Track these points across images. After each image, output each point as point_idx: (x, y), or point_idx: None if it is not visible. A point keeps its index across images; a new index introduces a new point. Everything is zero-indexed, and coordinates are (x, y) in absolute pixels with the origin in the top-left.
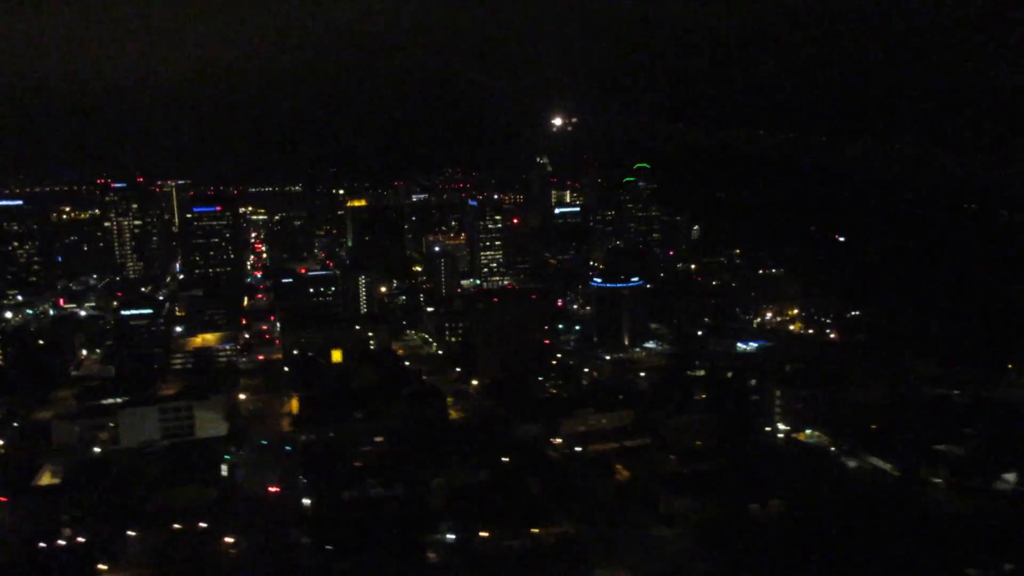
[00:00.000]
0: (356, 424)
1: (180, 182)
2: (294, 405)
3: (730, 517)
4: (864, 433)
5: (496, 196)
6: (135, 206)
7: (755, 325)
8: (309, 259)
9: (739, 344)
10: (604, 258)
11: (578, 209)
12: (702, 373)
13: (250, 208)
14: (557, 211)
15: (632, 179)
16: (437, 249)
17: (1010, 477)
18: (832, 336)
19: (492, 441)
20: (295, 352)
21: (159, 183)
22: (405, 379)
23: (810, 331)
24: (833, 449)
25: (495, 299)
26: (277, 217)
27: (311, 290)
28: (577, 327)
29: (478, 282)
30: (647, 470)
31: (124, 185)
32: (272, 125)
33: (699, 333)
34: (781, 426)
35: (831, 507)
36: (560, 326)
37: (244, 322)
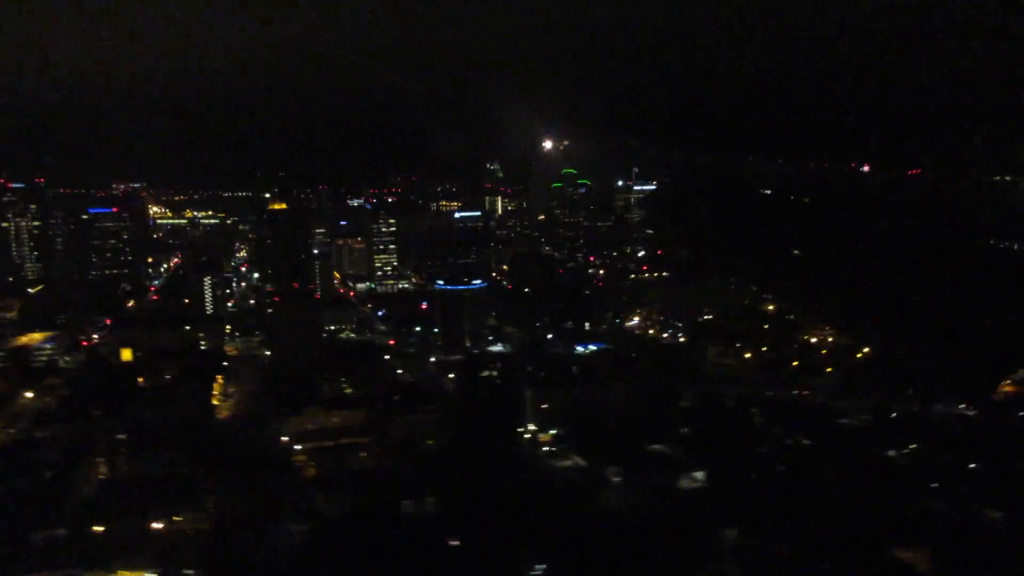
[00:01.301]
0: (96, 422)
1: (136, 185)
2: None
3: (370, 513)
4: (590, 432)
5: (391, 199)
6: (33, 207)
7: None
8: (225, 262)
9: (579, 347)
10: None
11: (479, 214)
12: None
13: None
14: (457, 215)
15: (560, 184)
16: (316, 252)
17: (699, 475)
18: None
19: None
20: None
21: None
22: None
23: (664, 335)
24: (546, 449)
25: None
26: (229, 221)
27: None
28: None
29: (372, 285)
30: (330, 467)
31: (22, 185)
32: (225, 130)
33: (549, 336)
34: (531, 426)
35: (485, 503)
36: (417, 328)
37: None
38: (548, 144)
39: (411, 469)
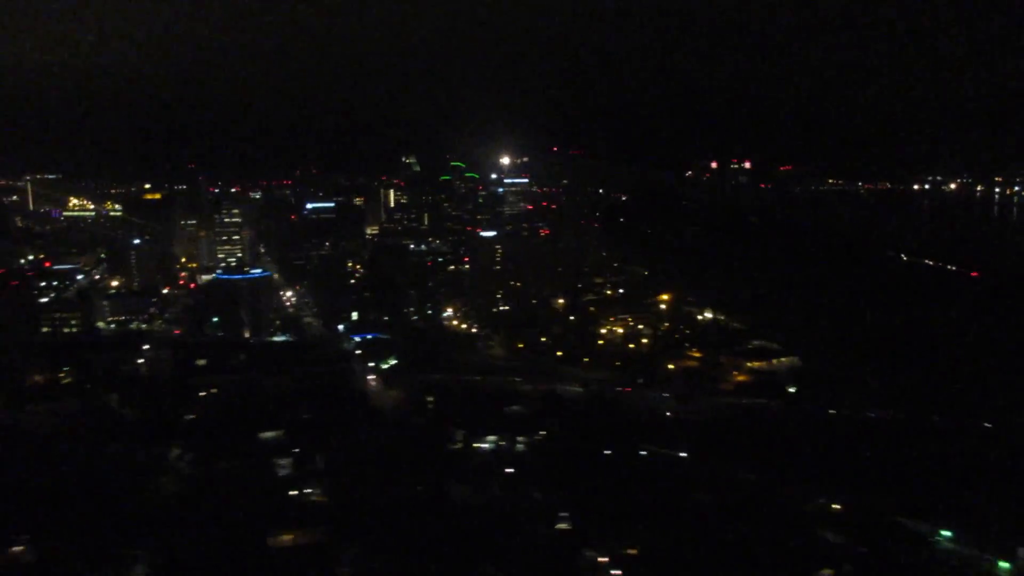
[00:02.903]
0: None
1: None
2: None
3: None
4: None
5: (234, 189)
6: None
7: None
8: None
9: (356, 337)
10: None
11: (332, 205)
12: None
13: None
14: (309, 206)
15: (448, 177)
16: (137, 242)
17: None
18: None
19: None
20: None
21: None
22: None
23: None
24: None
25: None
26: None
27: None
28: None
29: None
30: None
31: None
32: (151, 125)
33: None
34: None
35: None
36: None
37: None
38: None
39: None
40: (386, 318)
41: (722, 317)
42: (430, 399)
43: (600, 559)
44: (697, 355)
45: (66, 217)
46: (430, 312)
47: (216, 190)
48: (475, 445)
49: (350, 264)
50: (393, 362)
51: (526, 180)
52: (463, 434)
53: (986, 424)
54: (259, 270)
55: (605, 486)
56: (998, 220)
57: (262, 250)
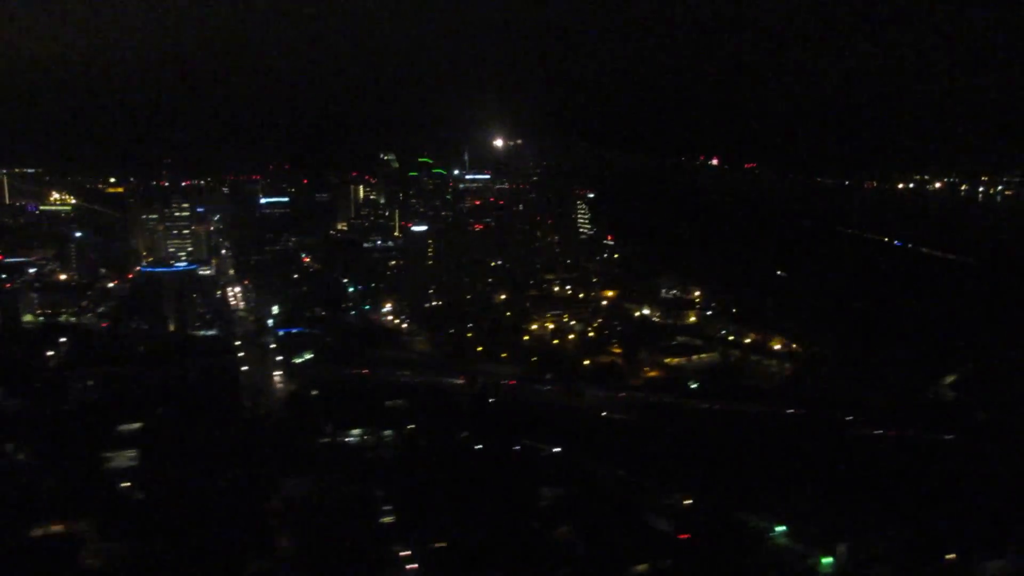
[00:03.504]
0: None
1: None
2: None
3: None
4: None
5: (184, 183)
6: None
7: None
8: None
9: (281, 331)
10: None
11: (287, 199)
12: None
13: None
14: (263, 201)
15: (416, 173)
16: (79, 235)
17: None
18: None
19: None
20: None
21: None
22: None
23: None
24: None
25: None
26: None
27: None
28: None
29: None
30: None
31: None
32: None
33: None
34: None
35: None
36: None
37: None
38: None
39: None
40: (320, 313)
41: (658, 314)
42: (315, 392)
43: (402, 552)
44: (617, 351)
45: (42, 211)
46: (368, 307)
47: (189, 184)
48: (341, 439)
49: (307, 259)
50: (308, 356)
51: (488, 176)
52: (331, 427)
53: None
54: (185, 263)
55: (452, 480)
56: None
57: (225, 244)
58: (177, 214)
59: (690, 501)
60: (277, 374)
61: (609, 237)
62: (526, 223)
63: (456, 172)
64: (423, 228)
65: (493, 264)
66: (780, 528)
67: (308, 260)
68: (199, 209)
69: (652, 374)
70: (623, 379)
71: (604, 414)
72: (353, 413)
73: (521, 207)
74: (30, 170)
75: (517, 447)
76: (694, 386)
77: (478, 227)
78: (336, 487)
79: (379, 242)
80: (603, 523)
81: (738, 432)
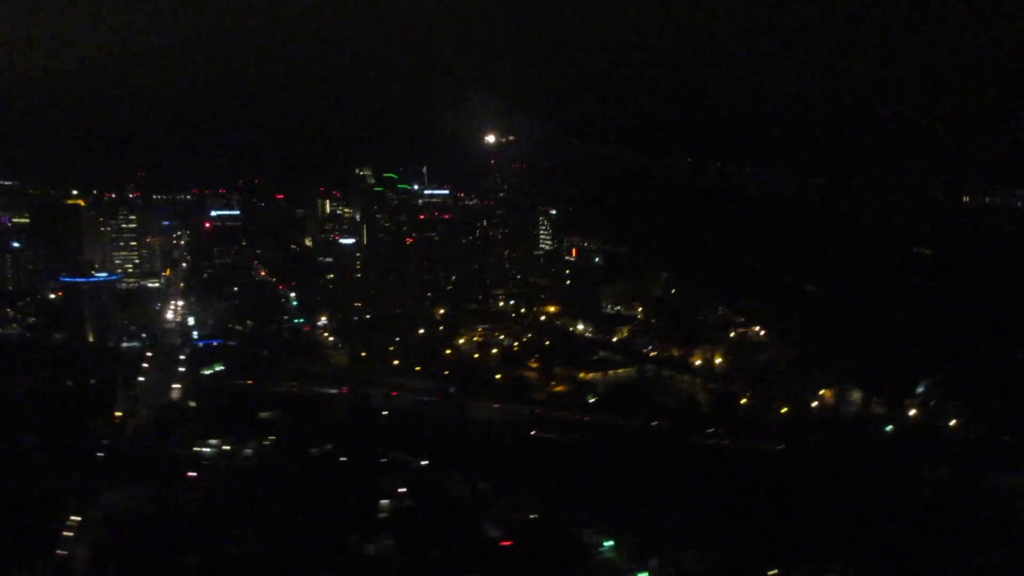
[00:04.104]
0: None
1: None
2: None
3: None
4: None
5: (131, 195)
6: None
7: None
8: None
9: (199, 342)
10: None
11: (237, 212)
12: None
13: None
14: (214, 213)
15: (381, 189)
16: (16, 245)
17: None
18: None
19: None
20: None
21: None
22: None
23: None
24: None
25: None
26: None
27: None
28: None
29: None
30: None
31: None
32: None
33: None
34: None
35: None
36: None
37: None
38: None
39: None
40: (244, 325)
41: (591, 330)
42: (192, 404)
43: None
44: (534, 366)
45: (14, 223)
46: (302, 320)
47: (160, 197)
48: (196, 450)
49: (263, 273)
50: (219, 368)
51: (447, 191)
52: (186, 439)
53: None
54: (104, 273)
55: (278, 491)
56: None
57: (185, 256)
58: (124, 226)
59: (534, 515)
60: (176, 386)
61: (573, 252)
62: (478, 238)
63: (415, 187)
64: (351, 241)
65: (431, 278)
66: (608, 543)
67: (264, 274)
68: (164, 223)
69: (558, 388)
70: (526, 393)
71: (484, 426)
72: (222, 424)
73: (483, 222)
74: (7, 183)
75: (384, 459)
76: (591, 400)
77: (409, 240)
78: (150, 498)
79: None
80: (431, 534)
81: (606, 445)
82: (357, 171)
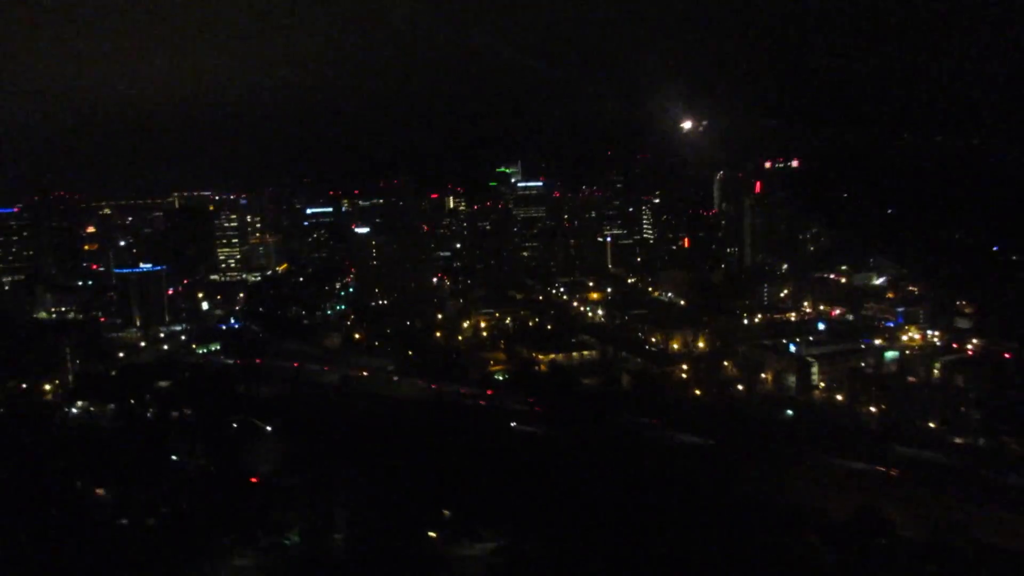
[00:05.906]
0: None
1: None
2: None
3: None
4: None
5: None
6: None
7: None
8: None
9: None
10: None
11: (330, 210)
12: None
13: None
14: (309, 211)
15: (495, 183)
16: None
17: None
18: None
19: None
20: None
21: None
22: None
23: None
24: None
25: None
26: None
27: None
28: None
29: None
30: None
31: None
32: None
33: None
34: None
35: None
36: None
37: None
38: None
39: None
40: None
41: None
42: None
43: None
44: (502, 346)
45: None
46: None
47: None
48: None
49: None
50: (214, 347)
51: (541, 183)
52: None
53: None
54: (148, 264)
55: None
56: None
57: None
58: (226, 225)
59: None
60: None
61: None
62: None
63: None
64: (365, 230)
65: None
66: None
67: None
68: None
69: (496, 368)
70: (462, 373)
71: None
72: (120, 392)
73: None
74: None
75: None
76: (500, 379)
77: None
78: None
79: None
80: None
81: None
82: (498, 168)
